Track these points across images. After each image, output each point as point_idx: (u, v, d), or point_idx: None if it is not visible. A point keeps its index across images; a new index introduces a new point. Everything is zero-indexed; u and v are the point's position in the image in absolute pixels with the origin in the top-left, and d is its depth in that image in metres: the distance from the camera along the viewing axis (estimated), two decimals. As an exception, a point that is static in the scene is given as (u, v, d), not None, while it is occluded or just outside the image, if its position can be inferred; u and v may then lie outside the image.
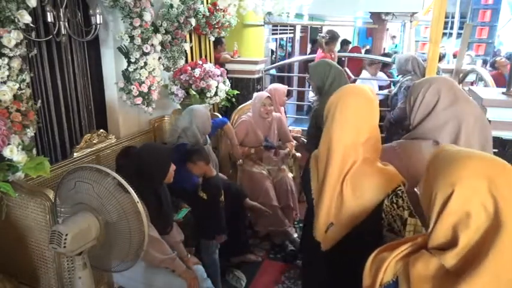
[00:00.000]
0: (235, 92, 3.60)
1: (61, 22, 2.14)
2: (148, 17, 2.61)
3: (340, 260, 1.24)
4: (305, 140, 3.43)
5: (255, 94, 3.23)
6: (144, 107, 2.78)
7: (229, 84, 3.36)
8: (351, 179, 1.23)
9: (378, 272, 0.90)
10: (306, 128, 2.89)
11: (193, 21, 3.12)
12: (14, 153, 1.71)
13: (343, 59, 5.64)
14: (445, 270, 0.79)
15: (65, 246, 1.39)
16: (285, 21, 5.01)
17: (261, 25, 4.69)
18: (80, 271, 1.52)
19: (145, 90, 2.71)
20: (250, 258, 2.80)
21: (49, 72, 2.37)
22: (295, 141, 3.36)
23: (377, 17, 7.18)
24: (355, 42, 11.08)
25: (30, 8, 1.88)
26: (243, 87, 4.29)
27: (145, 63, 2.70)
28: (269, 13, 4.40)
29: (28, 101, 1.92)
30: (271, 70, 4.88)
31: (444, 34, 7.61)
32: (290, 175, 3.15)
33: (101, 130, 2.53)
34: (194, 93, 3.05)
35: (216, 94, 3.15)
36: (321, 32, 8.41)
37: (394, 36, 10.79)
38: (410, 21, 6.91)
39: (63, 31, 2.17)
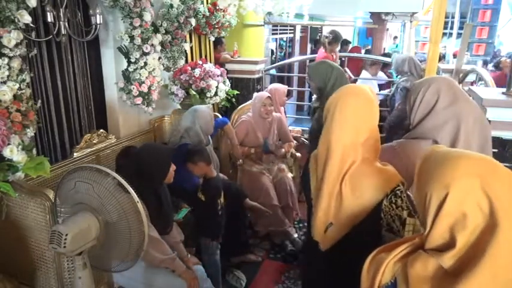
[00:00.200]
0: (235, 92, 3.60)
1: (61, 22, 2.14)
2: (148, 17, 2.61)
3: (340, 260, 1.24)
4: (305, 140, 3.43)
5: (255, 94, 3.23)
6: (144, 107, 2.78)
7: (229, 84, 3.36)
8: (350, 179, 1.23)
9: (376, 273, 0.90)
10: (307, 129, 2.88)
11: (193, 21, 3.12)
12: (14, 153, 1.71)
13: (343, 59, 5.65)
14: (444, 271, 0.79)
15: (65, 246, 1.39)
16: (285, 21, 5.01)
17: (261, 25, 4.70)
18: (80, 271, 1.52)
19: (145, 90, 2.71)
20: (250, 258, 2.80)
21: (49, 72, 2.37)
22: (295, 141, 3.36)
23: (377, 17, 7.18)
24: (355, 42, 11.09)
25: (30, 8, 1.88)
26: (243, 87, 4.29)
27: (145, 63, 2.70)
28: (269, 13, 4.40)
29: (28, 101, 1.92)
30: (271, 70, 4.88)
31: (444, 34, 7.62)
32: (290, 175, 3.15)
33: (101, 130, 2.53)
34: (194, 93, 3.06)
35: (216, 94, 3.15)
36: (321, 32, 8.43)
37: (396, 37, 10.78)
38: (410, 21, 6.91)
39: (63, 31, 2.17)
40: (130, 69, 2.67)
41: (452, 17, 8.12)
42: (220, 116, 3.14)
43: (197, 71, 3.03)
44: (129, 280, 1.93)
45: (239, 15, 3.86)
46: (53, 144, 2.47)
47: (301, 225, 3.26)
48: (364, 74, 4.74)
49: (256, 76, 4.36)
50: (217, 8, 3.42)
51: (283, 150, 3.16)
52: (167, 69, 3.09)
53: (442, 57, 5.33)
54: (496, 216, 0.74)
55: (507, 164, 2.17)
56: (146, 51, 2.68)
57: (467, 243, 0.77)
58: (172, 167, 1.96)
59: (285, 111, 3.65)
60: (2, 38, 1.77)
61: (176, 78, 3.07)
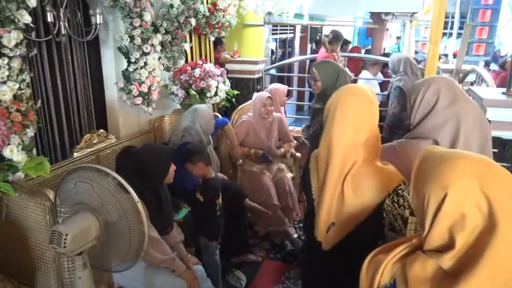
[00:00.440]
0: (235, 92, 3.60)
1: (61, 22, 2.14)
2: (148, 17, 2.61)
3: (341, 260, 1.24)
4: (305, 140, 3.42)
5: (255, 94, 3.23)
6: (144, 107, 2.78)
7: (229, 84, 3.36)
8: (352, 179, 1.23)
9: (375, 274, 0.89)
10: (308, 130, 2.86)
11: (193, 21, 3.12)
12: (14, 153, 1.71)
13: (343, 59, 5.64)
14: (443, 272, 0.79)
15: (65, 246, 1.39)
16: (285, 21, 5.01)
17: (261, 25, 4.70)
18: (80, 271, 1.52)
19: (145, 90, 2.71)
20: (250, 258, 2.80)
21: (49, 72, 2.37)
22: (295, 141, 3.36)
23: (377, 17, 7.18)
24: (355, 42, 11.10)
25: (30, 8, 1.88)
26: (243, 87, 4.29)
27: (145, 63, 2.70)
28: (269, 13, 4.40)
29: (28, 101, 1.92)
30: (271, 70, 4.88)
31: (444, 34, 7.62)
32: (289, 175, 3.15)
33: (101, 130, 2.53)
34: (194, 93, 3.06)
35: (216, 94, 3.15)
36: (321, 32, 8.43)
37: (398, 37, 10.77)
38: (410, 21, 6.91)
39: (63, 31, 2.17)
40: (130, 69, 2.67)
41: (452, 17, 8.12)
42: (220, 116, 3.15)
43: (197, 71, 3.03)
44: (129, 280, 1.93)
45: (239, 15, 3.86)
46: (53, 144, 2.47)
47: (301, 225, 3.26)
48: (366, 74, 4.74)
49: (256, 76, 4.36)
50: (217, 8, 3.42)
51: (282, 149, 3.16)
52: (167, 69, 3.09)
53: (443, 56, 5.34)
54: (495, 216, 0.74)
55: (507, 164, 2.17)
56: (146, 51, 2.68)
57: (466, 244, 0.76)
58: (172, 167, 1.96)
59: (285, 111, 3.65)
60: (2, 38, 1.77)
61: (176, 78, 3.07)
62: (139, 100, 2.71)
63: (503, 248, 0.73)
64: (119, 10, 2.52)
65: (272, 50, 6.44)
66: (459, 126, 1.45)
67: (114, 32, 2.64)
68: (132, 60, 2.65)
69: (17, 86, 1.86)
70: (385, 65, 4.83)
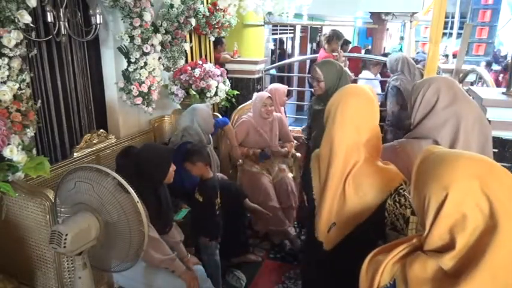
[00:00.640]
0: (235, 92, 3.60)
1: (61, 22, 2.14)
2: (148, 17, 2.61)
3: (342, 260, 1.24)
4: (306, 141, 3.42)
5: (255, 94, 3.23)
6: (144, 107, 2.78)
7: (229, 84, 3.36)
8: (353, 179, 1.24)
9: (374, 275, 0.89)
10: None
11: (193, 21, 3.12)
12: (14, 153, 1.71)
13: (345, 58, 5.64)
14: (443, 272, 0.79)
15: (65, 246, 1.39)
16: (285, 21, 5.01)
17: (261, 25, 4.69)
18: (80, 271, 1.52)
19: (145, 90, 2.71)
20: (250, 258, 2.80)
21: (49, 72, 2.37)
22: (295, 141, 3.36)
23: (377, 17, 7.18)
24: (355, 42, 11.10)
25: (30, 8, 1.88)
26: (243, 87, 4.29)
27: (145, 63, 2.70)
28: (269, 13, 4.40)
29: (28, 101, 1.92)
30: (271, 70, 4.88)
31: (444, 34, 7.62)
32: (290, 175, 3.15)
33: (101, 130, 2.53)
34: (194, 93, 3.06)
35: (216, 94, 3.15)
36: (321, 32, 8.43)
37: (402, 38, 10.75)
38: (410, 21, 6.92)
39: (63, 31, 2.17)
40: (131, 69, 2.67)
41: (452, 17, 8.11)
42: (220, 116, 3.15)
43: (197, 71, 3.03)
44: (129, 280, 1.93)
45: (239, 15, 3.86)
46: (53, 144, 2.47)
47: (301, 225, 3.26)
48: (368, 74, 4.74)
49: (256, 76, 4.36)
50: (217, 8, 3.42)
51: (285, 149, 3.16)
52: (167, 69, 3.09)
53: (444, 57, 5.33)
54: (496, 217, 0.73)
55: (507, 164, 2.17)
56: (146, 51, 2.68)
57: (467, 245, 0.76)
58: (173, 167, 1.96)
59: (285, 111, 3.65)
60: (2, 38, 1.77)
61: (176, 78, 3.07)
62: (139, 100, 2.71)
63: (504, 249, 0.73)
64: (119, 10, 2.52)
65: (272, 50, 6.45)
66: (459, 126, 1.45)
67: (114, 32, 2.64)
68: (132, 60, 2.65)
69: (17, 86, 1.86)
70: (385, 65, 4.84)
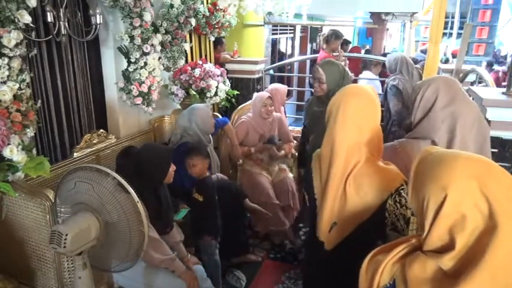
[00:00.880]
0: (235, 92, 3.60)
1: (61, 22, 2.14)
2: (148, 17, 2.61)
3: (343, 259, 1.24)
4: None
5: (255, 94, 3.23)
6: (144, 107, 2.78)
7: (229, 84, 3.36)
8: (354, 179, 1.24)
9: (374, 275, 0.89)
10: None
11: (193, 21, 3.12)
12: (14, 153, 1.71)
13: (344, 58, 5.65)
14: (443, 272, 0.79)
15: (65, 246, 1.39)
16: (285, 21, 5.01)
17: (261, 25, 4.69)
18: (80, 271, 1.52)
19: (145, 90, 2.71)
20: (250, 258, 2.80)
21: (49, 72, 2.37)
22: (295, 141, 3.35)
23: (377, 17, 7.18)
24: (355, 42, 11.09)
25: (30, 8, 1.88)
26: (243, 87, 4.29)
27: (145, 63, 2.70)
28: (269, 13, 4.40)
29: (28, 101, 1.92)
30: (271, 70, 4.89)
31: (444, 34, 7.62)
32: (291, 175, 3.15)
33: (101, 130, 2.53)
34: (194, 93, 3.06)
35: (216, 94, 3.15)
36: (321, 32, 8.43)
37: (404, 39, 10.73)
38: (410, 21, 6.92)
39: (63, 31, 2.17)
40: (130, 69, 2.67)
41: (452, 17, 8.12)
42: (220, 116, 3.14)
43: (197, 71, 3.03)
44: (129, 280, 1.93)
45: (239, 15, 3.86)
46: (53, 144, 2.47)
47: (300, 225, 3.25)
48: (369, 74, 4.74)
49: (256, 76, 4.36)
50: (217, 8, 3.42)
51: (283, 152, 3.16)
52: (167, 69, 3.09)
53: (445, 62, 5.33)
54: (495, 217, 0.73)
55: (507, 164, 2.17)
56: (146, 51, 2.68)
57: (466, 245, 0.76)
58: (172, 167, 1.97)
59: (284, 111, 3.65)
60: (2, 38, 1.77)
61: (176, 78, 3.07)
62: (139, 100, 2.71)
63: (503, 249, 0.73)
64: (119, 10, 2.52)
65: (272, 50, 6.44)
66: (456, 126, 1.45)
67: (114, 32, 2.64)
68: (132, 60, 2.65)
69: (17, 86, 1.86)
70: (385, 65, 4.84)
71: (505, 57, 9.25)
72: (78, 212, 1.50)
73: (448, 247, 0.79)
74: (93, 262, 1.57)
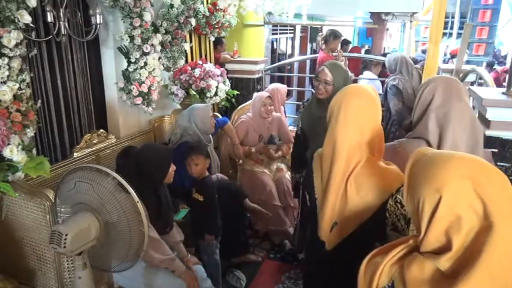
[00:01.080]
0: (235, 92, 3.60)
1: (61, 22, 2.14)
2: (148, 17, 2.61)
3: (344, 259, 1.24)
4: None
5: (255, 94, 3.23)
6: (144, 107, 2.78)
7: (229, 84, 3.36)
8: (355, 179, 1.24)
9: (373, 277, 0.89)
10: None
11: (193, 21, 3.12)
12: (14, 153, 1.71)
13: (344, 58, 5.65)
14: (441, 273, 0.79)
15: (65, 246, 1.39)
16: (285, 21, 5.01)
17: (261, 25, 4.69)
18: (80, 271, 1.52)
19: (145, 90, 2.71)
20: (250, 258, 2.80)
21: (49, 72, 2.37)
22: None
23: (377, 17, 7.19)
24: (355, 42, 11.10)
25: (30, 8, 1.88)
26: (243, 87, 4.29)
27: (145, 63, 2.70)
28: (269, 13, 4.40)
29: (28, 101, 1.93)
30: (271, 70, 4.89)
31: (444, 34, 7.62)
32: (287, 175, 3.15)
33: (101, 130, 2.53)
34: (194, 93, 3.06)
35: (216, 94, 3.15)
36: (321, 32, 8.44)
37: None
38: (410, 21, 6.92)
39: (63, 31, 2.17)
40: (131, 69, 2.67)
41: (452, 17, 8.13)
42: (220, 116, 3.14)
43: (197, 71, 3.03)
44: (129, 280, 1.93)
45: (239, 15, 3.86)
46: (53, 144, 2.47)
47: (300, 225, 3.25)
48: (369, 74, 4.74)
49: (256, 76, 4.36)
50: (217, 8, 3.42)
51: (279, 152, 3.16)
52: (167, 69, 3.09)
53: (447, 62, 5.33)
54: (490, 217, 0.74)
55: (507, 164, 2.17)
56: (146, 51, 2.68)
57: (463, 245, 0.76)
58: (172, 167, 1.96)
59: (284, 111, 3.65)
60: (2, 38, 1.77)
61: (176, 78, 3.07)
62: (139, 100, 2.71)
63: (500, 248, 0.73)
64: (119, 10, 2.52)
65: (272, 50, 6.45)
66: (447, 126, 1.45)
67: (114, 32, 2.64)
68: (132, 60, 2.65)
69: (17, 86, 1.86)
70: (385, 65, 4.84)
71: (505, 57, 9.26)
72: (78, 212, 1.50)
73: (445, 248, 0.79)
74: (93, 262, 1.57)
